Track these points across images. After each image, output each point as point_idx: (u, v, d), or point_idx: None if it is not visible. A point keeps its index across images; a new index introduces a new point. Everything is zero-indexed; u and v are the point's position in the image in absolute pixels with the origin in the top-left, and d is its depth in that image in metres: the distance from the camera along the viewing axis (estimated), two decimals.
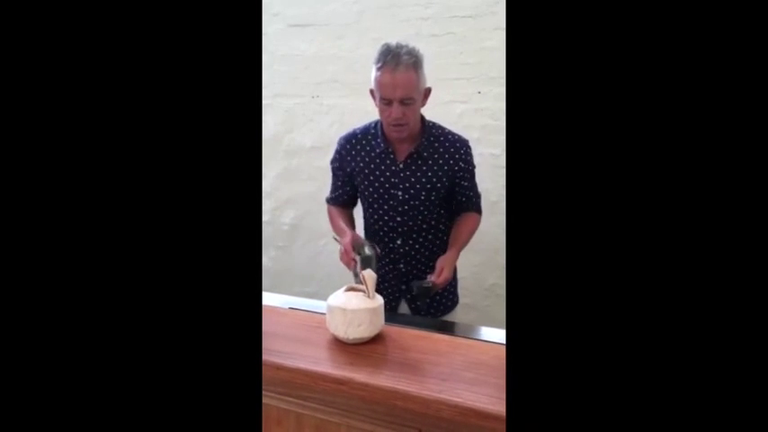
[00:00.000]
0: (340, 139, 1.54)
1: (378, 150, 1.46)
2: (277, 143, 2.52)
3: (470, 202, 1.56)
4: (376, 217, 1.52)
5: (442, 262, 1.42)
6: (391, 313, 1.55)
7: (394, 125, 1.36)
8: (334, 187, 1.60)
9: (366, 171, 1.48)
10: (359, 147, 1.49)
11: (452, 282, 1.62)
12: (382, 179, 1.47)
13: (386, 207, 1.49)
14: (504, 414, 0.71)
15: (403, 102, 1.32)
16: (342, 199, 1.60)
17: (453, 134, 1.49)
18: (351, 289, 0.97)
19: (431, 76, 2.22)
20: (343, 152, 1.52)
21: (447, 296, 1.60)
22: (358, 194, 1.58)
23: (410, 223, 1.50)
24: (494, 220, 2.15)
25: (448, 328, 1.34)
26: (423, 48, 2.22)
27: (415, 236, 1.51)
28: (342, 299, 0.94)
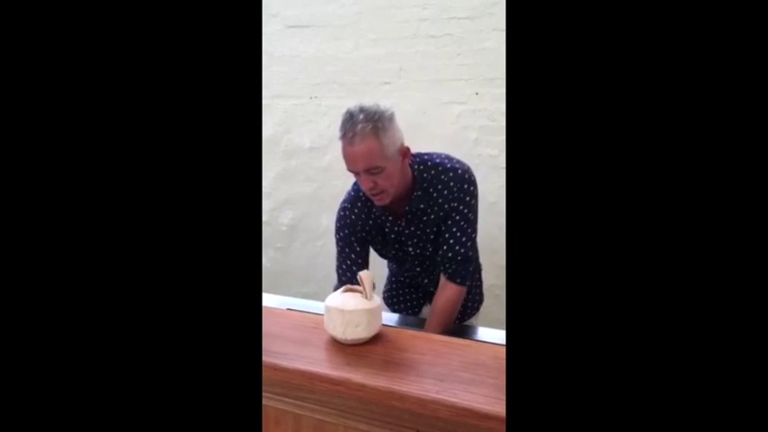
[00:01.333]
0: (344, 203, 1.40)
1: (378, 214, 1.36)
2: (275, 144, 2.53)
3: (451, 262, 1.30)
4: (398, 268, 1.48)
5: None
6: (414, 317, 1.54)
7: (371, 195, 1.25)
8: (338, 267, 1.42)
9: (374, 232, 1.39)
10: (366, 210, 1.37)
11: (474, 287, 1.56)
12: (392, 238, 1.39)
13: (404, 261, 1.44)
14: (501, 414, 0.71)
15: (369, 172, 1.20)
16: (348, 280, 1.39)
17: (449, 171, 1.29)
18: (349, 290, 0.97)
19: (429, 76, 2.23)
20: (353, 217, 1.39)
21: (473, 298, 1.55)
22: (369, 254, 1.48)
23: (430, 268, 1.44)
24: (492, 220, 2.15)
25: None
26: (420, 49, 2.24)
27: (438, 273, 1.45)
28: (339, 299, 0.94)
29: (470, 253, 1.34)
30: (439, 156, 1.34)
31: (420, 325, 1.38)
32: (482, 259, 2.24)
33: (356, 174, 1.23)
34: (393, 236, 1.37)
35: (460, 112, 2.20)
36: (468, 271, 1.35)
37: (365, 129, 1.17)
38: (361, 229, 1.37)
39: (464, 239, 1.31)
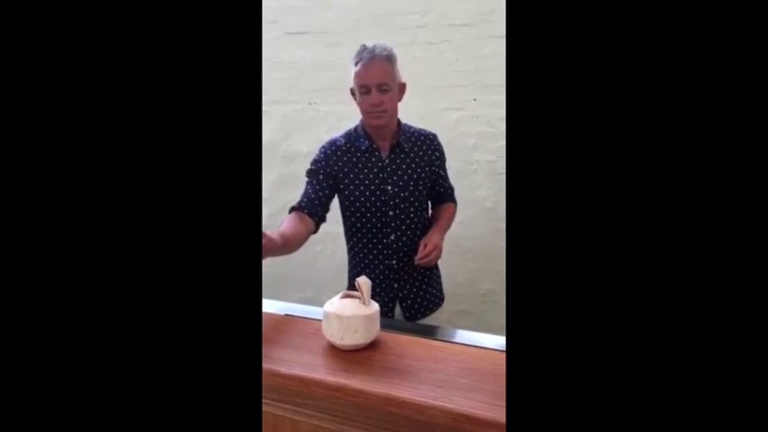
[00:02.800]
0: (320, 146, 1.56)
1: (362, 149, 1.51)
2: (274, 149, 2.53)
3: (447, 193, 1.69)
4: (369, 215, 1.54)
5: (425, 239, 1.49)
6: (386, 319, 1.56)
7: (374, 112, 1.44)
8: (304, 194, 1.52)
9: (355, 171, 1.52)
10: (344, 149, 1.53)
11: (436, 279, 1.67)
12: (371, 176, 1.51)
13: (378, 204, 1.52)
14: (500, 420, 0.71)
15: (380, 88, 1.43)
16: (306, 203, 1.49)
17: (422, 130, 1.61)
18: (347, 296, 0.97)
19: (427, 82, 2.24)
20: (327, 154, 1.52)
21: (432, 291, 1.64)
22: (339, 202, 1.57)
23: (402, 216, 1.53)
24: (490, 226, 2.16)
25: (443, 335, 1.35)
26: (419, 55, 2.24)
27: (408, 231, 1.55)
28: (337, 305, 0.94)
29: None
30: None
31: (416, 331, 1.37)
32: (479, 264, 2.24)
33: (367, 91, 1.43)
34: (375, 171, 1.52)
35: (458, 118, 2.21)
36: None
37: (382, 53, 1.43)
38: (330, 169, 1.52)
39: (447, 183, 1.70)
